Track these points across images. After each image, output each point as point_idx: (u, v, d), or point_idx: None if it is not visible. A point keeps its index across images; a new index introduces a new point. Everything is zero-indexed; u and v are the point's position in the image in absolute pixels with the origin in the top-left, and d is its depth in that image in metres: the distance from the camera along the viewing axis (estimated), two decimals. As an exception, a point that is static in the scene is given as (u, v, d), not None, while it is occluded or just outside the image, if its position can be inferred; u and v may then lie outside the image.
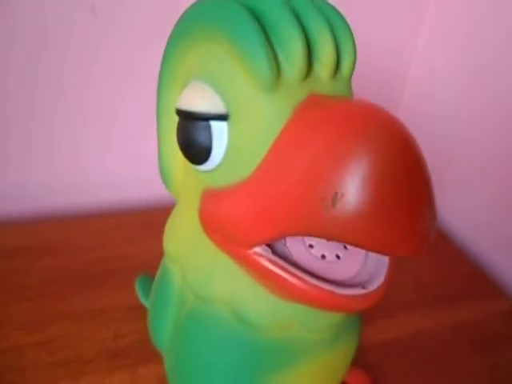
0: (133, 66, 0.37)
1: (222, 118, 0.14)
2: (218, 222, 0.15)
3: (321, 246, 0.16)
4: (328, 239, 0.13)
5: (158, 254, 0.21)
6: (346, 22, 0.15)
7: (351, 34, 0.15)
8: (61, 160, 0.39)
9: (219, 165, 0.15)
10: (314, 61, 0.14)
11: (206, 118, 0.14)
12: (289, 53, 0.14)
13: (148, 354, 0.27)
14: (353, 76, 0.16)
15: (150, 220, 0.33)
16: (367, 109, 0.13)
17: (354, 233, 0.12)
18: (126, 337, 0.29)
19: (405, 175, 0.12)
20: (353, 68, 0.15)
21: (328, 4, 0.15)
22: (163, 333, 0.21)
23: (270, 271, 0.14)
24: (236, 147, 0.15)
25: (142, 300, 0.29)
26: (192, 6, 0.16)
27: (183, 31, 0.16)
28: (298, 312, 0.17)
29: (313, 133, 0.13)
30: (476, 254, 0.42)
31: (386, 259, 0.16)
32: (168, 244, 0.19)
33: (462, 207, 0.44)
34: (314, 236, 0.13)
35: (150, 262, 0.24)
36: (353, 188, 0.12)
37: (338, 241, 0.12)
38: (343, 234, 0.12)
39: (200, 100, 0.15)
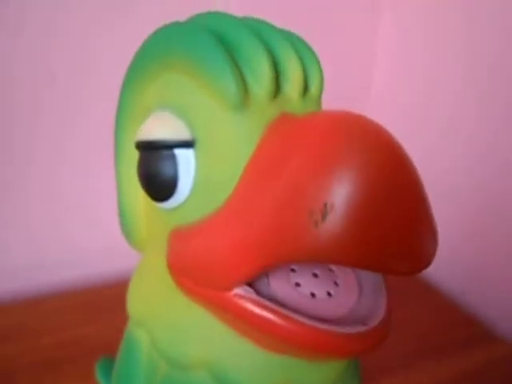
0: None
1: (188, 144, 0.13)
2: (188, 263, 0.13)
3: (309, 284, 0.14)
4: (321, 261, 0.11)
5: (120, 331, 0.19)
6: (308, 44, 0.15)
7: (315, 55, 0.15)
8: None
9: (187, 199, 0.13)
10: (282, 81, 0.14)
11: (170, 145, 0.13)
12: (256, 70, 0.13)
13: None
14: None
15: (108, 295, 0.30)
16: (347, 116, 0.12)
17: (349, 248, 0.10)
18: None
19: (398, 182, 0.11)
20: (321, 86, 0.14)
21: (290, 31, 0.15)
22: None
23: (256, 315, 0.12)
24: (206, 175, 0.13)
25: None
26: (147, 39, 0.15)
27: (140, 65, 0.15)
28: (290, 367, 0.14)
29: (291, 145, 0.12)
30: (466, 301, 0.40)
31: (382, 291, 0.14)
32: (132, 305, 0.17)
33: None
34: (305, 260, 0.11)
35: (111, 341, 0.21)
36: (343, 196, 0.10)
37: (333, 262, 0.10)
38: (337, 252, 0.10)
39: (161, 127, 0.13)
